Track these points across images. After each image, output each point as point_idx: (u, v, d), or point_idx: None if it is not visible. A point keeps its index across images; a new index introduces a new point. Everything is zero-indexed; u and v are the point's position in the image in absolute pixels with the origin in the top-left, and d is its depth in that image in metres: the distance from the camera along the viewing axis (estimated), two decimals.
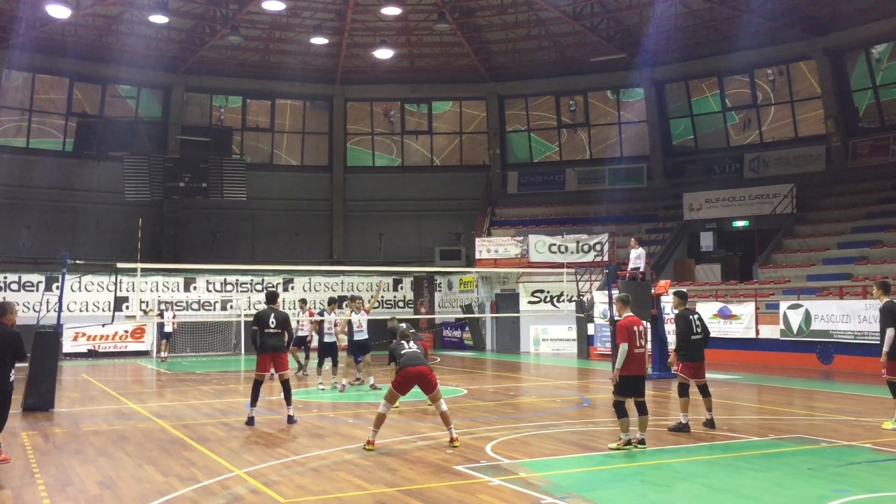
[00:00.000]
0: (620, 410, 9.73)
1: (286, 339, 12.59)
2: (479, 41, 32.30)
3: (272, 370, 12.41)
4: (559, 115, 34.68)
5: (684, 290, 13.08)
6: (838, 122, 27.99)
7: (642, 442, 9.76)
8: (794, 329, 21.28)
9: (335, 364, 17.31)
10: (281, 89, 33.77)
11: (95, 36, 29.79)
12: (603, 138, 34.38)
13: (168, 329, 25.77)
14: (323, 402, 14.64)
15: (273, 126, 34.72)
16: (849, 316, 20.15)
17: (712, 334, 22.61)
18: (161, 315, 25.87)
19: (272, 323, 12.02)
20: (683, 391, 11.09)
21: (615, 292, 19.61)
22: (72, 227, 29.72)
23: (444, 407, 10.08)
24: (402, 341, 10.50)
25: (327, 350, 17.56)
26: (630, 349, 9.73)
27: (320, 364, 17.66)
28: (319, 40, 30.80)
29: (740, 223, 28.57)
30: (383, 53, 31.46)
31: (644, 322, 10.12)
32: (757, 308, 22.64)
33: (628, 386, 9.80)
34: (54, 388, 14.14)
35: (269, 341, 12.05)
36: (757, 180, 28.99)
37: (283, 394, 12.28)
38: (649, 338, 19.97)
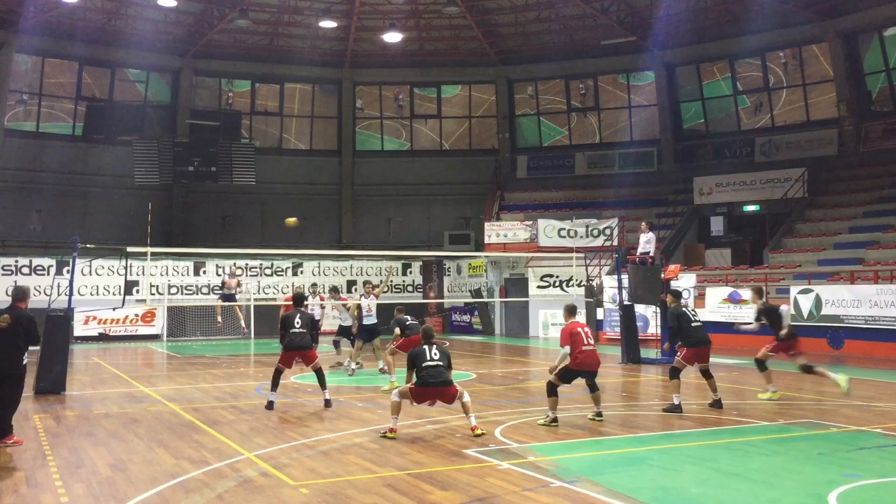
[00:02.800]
0: (552, 391, 10.46)
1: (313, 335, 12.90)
2: (488, 24, 32.12)
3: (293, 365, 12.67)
4: (569, 99, 34.50)
5: (679, 289, 13.75)
6: (851, 105, 27.75)
7: (599, 414, 10.63)
8: (805, 314, 21.19)
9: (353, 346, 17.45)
10: (290, 73, 33.69)
11: (104, 20, 29.75)
12: (613, 122, 34.21)
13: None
14: (332, 386, 14.67)
15: (282, 110, 34.68)
16: (860, 301, 20.05)
17: (721, 319, 22.91)
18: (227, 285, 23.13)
19: (297, 323, 12.09)
20: (675, 374, 11.65)
21: (625, 277, 19.66)
22: (82, 210, 29.81)
23: (467, 398, 9.85)
24: (424, 346, 10.00)
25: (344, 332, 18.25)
26: (575, 350, 10.45)
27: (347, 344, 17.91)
28: (328, 24, 30.69)
29: (751, 207, 28.42)
30: (392, 37, 31.32)
31: (586, 326, 11.04)
32: (767, 293, 22.51)
33: (571, 377, 10.58)
34: (66, 371, 14.21)
35: (294, 340, 12.06)
36: (768, 164, 28.81)
37: (317, 381, 12.28)
38: (657, 323, 20.02)
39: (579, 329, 10.74)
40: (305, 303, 13.07)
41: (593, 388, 10.75)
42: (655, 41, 29.95)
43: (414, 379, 9.86)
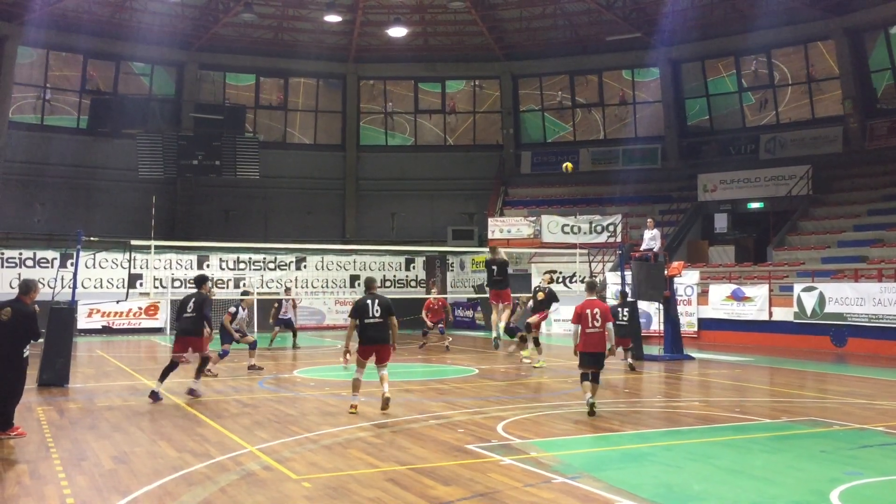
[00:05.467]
0: (582, 377, 10.95)
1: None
2: (493, 19, 32.07)
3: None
4: (573, 95, 34.45)
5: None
6: (856, 103, 27.69)
7: (592, 405, 10.62)
8: (808, 311, 21.17)
9: None
10: (294, 67, 33.69)
11: (109, 13, 29.74)
12: (617, 118, 34.15)
13: (287, 315, 21.98)
14: (335, 381, 14.69)
15: (286, 104, 34.67)
16: (863, 299, 20.02)
17: (725, 316, 22.92)
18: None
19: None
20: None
21: (628, 273, 19.64)
22: (86, 203, 29.80)
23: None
24: (367, 300, 10.96)
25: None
26: (582, 329, 10.67)
27: None
28: (333, 18, 30.65)
29: (755, 205, 28.38)
30: (397, 32, 31.28)
31: (598, 307, 10.92)
32: (771, 290, 22.52)
33: (584, 359, 10.81)
34: (69, 363, 14.25)
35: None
36: (773, 161, 28.74)
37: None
38: (660, 320, 19.99)
39: (588, 310, 10.66)
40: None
41: (594, 377, 10.77)
42: (661, 37, 29.88)
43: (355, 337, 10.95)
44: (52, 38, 29.49)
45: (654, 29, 29.69)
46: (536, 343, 17.21)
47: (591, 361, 10.73)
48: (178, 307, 12.90)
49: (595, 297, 11.02)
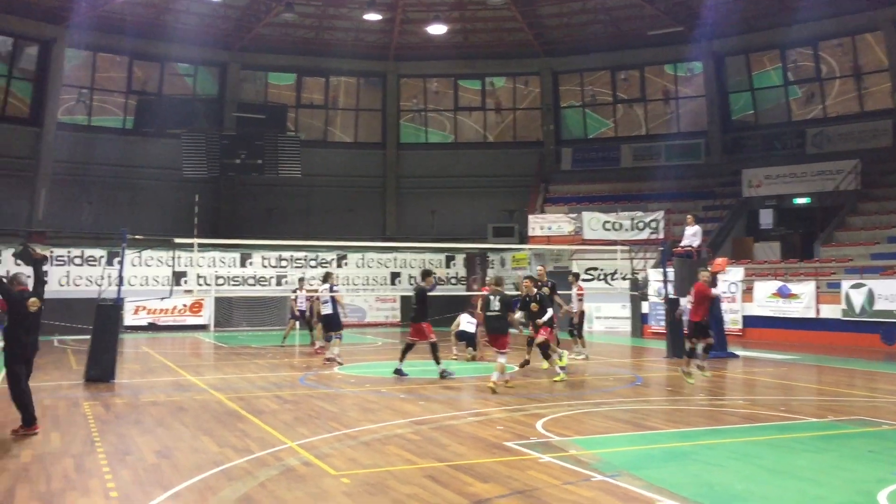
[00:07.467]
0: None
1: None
2: (533, 15, 31.89)
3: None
4: (615, 91, 34.14)
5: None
6: None
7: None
8: (857, 309, 20.72)
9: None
10: (335, 66, 33.88)
11: (153, 14, 30.21)
12: (659, 113, 33.76)
13: (301, 307, 21.72)
14: (375, 378, 14.76)
15: (327, 103, 34.91)
16: None
17: (771, 314, 22.51)
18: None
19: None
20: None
21: (670, 270, 19.41)
22: (131, 202, 30.30)
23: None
24: (490, 296, 13.21)
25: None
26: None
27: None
28: (373, 16, 30.74)
29: (802, 200, 27.83)
30: (437, 29, 31.27)
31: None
32: (818, 287, 22.10)
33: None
34: (115, 359, 14.47)
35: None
36: (820, 156, 28.15)
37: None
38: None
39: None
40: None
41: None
42: (704, 31, 29.40)
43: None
44: (98, 41, 30.05)
45: (697, 22, 29.23)
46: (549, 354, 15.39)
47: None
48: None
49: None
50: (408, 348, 14.71)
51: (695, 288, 13.91)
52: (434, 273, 16.03)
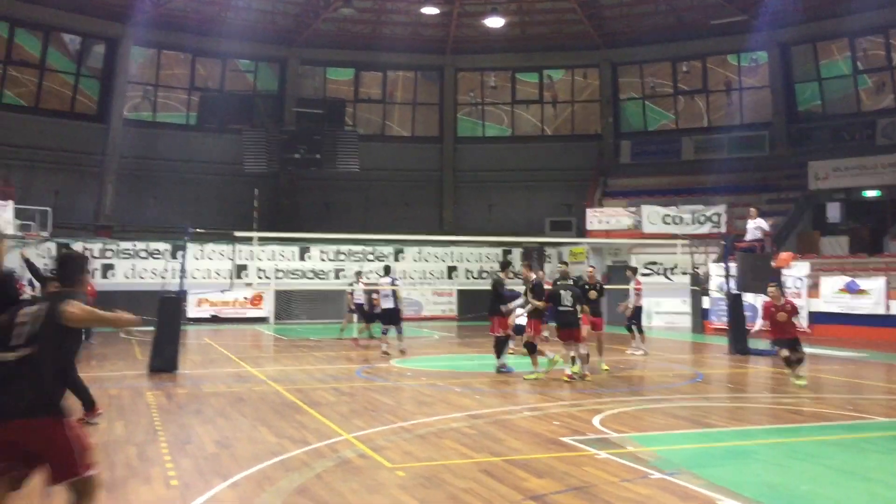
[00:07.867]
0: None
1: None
2: (592, 6, 31.52)
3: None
4: (675, 82, 33.53)
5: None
6: None
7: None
8: None
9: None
10: (392, 60, 34.00)
11: (215, 12, 30.74)
12: (721, 105, 33.05)
13: (358, 300, 21.01)
14: (431, 371, 14.77)
15: (384, 97, 35.07)
16: None
17: (838, 310, 21.87)
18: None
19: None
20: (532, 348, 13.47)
21: (732, 265, 18.98)
22: (194, 197, 30.90)
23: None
24: (560, 291, 13.21)
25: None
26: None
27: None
28: (430, 10, 30.77)
29: (871, 193, 26.97)
30: (494, 22, 31.13)
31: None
32: (888, 283, 21.38)
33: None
34: (178, 351, 14.77)
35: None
36: (891, 147, 27.20)
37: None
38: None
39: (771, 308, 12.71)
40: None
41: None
42: (768, 20, 28.67)
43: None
44: (162, 38, 30.72)
45: (762, 11, 28.51)
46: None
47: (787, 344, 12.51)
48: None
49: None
50: (500, 343, 14.06)
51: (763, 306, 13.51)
52: (511, 265, 16.09)
